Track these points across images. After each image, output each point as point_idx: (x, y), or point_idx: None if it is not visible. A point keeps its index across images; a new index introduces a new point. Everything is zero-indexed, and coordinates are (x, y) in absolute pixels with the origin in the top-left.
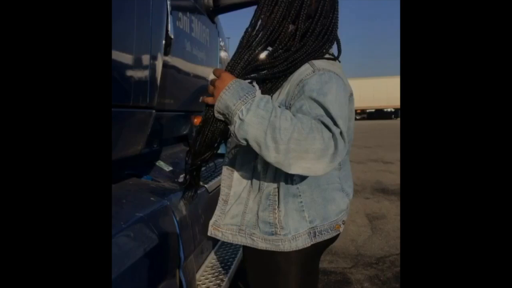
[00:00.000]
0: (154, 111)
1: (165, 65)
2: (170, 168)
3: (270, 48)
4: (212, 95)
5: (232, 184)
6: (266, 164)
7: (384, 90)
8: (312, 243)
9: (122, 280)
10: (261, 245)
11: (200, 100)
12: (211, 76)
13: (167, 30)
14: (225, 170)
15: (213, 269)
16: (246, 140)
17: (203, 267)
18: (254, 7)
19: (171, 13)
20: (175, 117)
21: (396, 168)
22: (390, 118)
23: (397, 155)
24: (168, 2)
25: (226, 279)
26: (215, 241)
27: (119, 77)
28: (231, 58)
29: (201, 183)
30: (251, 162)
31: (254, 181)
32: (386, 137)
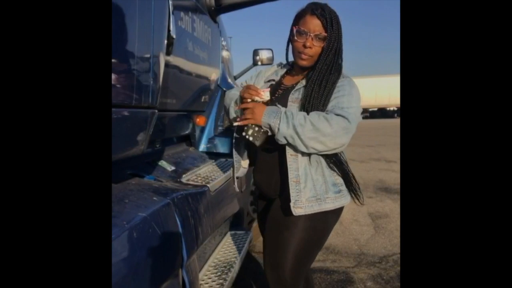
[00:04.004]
0: (156, 111)
1: (167, 65)
2: (173, 168)
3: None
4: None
5: (299, 166)
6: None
7: (386, 89)
8: None
9: (125, 280)
10: (330, 206)
11: (241, 122)
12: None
13: (169, 30)
14: (289, 156)
15: (216, 269)
16: (285, 139)
17: (206, 266)
18: (255, 6)
19: (173, 13)
20: (177, 117)
21: (399, 167)
22: (393, 117)
23: (399, 154)
24: (170, 2)
25: (229, 278)
26: (218, 240)
27: (121, 77)
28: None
29: (203, 182)
30: None
31: (312, 159)
32: (389, 136)
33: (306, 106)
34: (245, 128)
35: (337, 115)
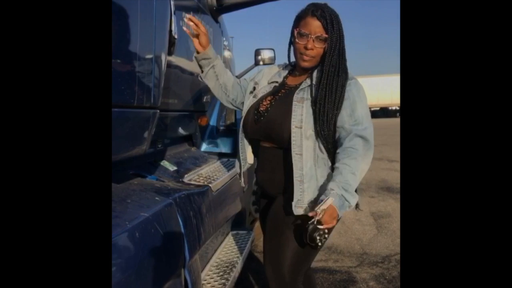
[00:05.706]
0: (158, 111)
1: (169, 65)
2: (175, 168)
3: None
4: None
5: (303, 165)
6: (327, 150)
7: (388, 88)
8: None
9: (127, 280)
10: None
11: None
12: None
13: (170, 30)
14: (295, 155)
15: (218, 268)
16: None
17: (208, 266)
18: (257, 6)
19: (174, 13)
20: (179, 117)
21: None
22: (395, 116)
23: None
24: (172, 2)
25: (231, 278)
26: (220, 240)
27: (123, 78)
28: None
29: (205, 182)
30: (314, 149)
31: (319, 161)
32: (391, 135)
33: (321, 110)
34: (317, 235)
35: (358, 136)
